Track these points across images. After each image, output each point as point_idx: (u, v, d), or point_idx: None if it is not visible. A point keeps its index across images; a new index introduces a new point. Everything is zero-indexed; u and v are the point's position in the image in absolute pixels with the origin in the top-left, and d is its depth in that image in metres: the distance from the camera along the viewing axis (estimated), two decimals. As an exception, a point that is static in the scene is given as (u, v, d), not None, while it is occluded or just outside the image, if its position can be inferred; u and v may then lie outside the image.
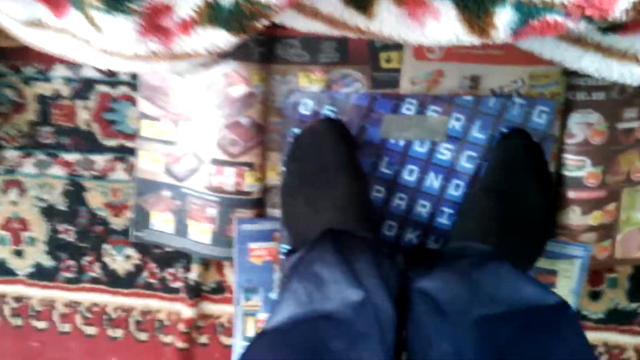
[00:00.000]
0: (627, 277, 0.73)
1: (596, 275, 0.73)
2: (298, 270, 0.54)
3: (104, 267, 0.78)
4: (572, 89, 0.66)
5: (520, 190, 0.63)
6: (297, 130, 0.68)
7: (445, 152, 0.68)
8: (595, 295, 0.74)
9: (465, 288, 0.50)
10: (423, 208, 0.70)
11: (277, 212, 0.73)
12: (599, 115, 0.65)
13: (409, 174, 0.69)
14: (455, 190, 0.69)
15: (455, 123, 0.67)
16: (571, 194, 0.68)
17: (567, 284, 0.72)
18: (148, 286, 0.77)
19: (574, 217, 0.69)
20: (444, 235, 0.71)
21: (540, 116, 0.67)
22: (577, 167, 0.67)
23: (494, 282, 0.50)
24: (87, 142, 0.76)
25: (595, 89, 0.65)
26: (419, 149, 0.68)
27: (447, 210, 0.70)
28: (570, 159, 0.67)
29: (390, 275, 0.55)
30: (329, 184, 0.63)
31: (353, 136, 0.68)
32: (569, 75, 0.66)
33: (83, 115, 0.75)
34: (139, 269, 0.77)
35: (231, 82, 0.66)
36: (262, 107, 0.68)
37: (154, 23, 0.48)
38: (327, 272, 0.51)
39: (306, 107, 0.68)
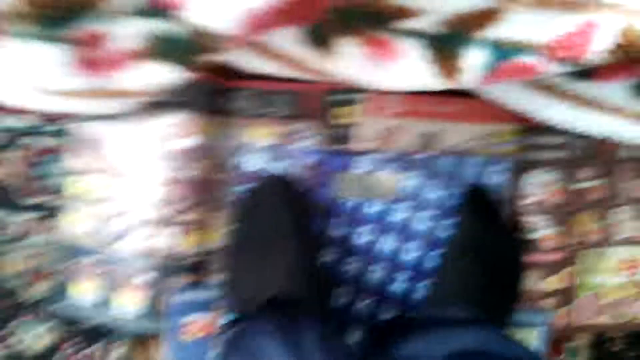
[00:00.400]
0: (586, 346, 0.70)
1: (556, 345, 0.70)
2: (236, 345, 0.47)
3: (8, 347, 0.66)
4: (527, 149, 0.66)
5: (498, 247, 0.60)
6: (243, 188, 0.63)
7: (398, 213, 0.65)
8: (555, 369, 0.70)
9: (440, 350, 0.45)
10: (375, 274, 0.65)
11: (218, 279, 0.65)
12: (554, 175, 0.64)
13: (360, 236, 0.65)
14: (409, 253, 0.65)
15: (408, 182, 0.65)
16: (529, 258, 0.66)
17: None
18: (63, 370, 0.66)
19: (530, 282, 0.66)
20: (397, 305, 0.66)
21: (495, 176, 0.65)
22: (532, 229, 0.65)
23: (482, 344, 0.45)
24: (2, 200, 0.67)
25: (551, 148, 0.64)
26: (370, 209, 0.65)
27: (400, 276, 0.65)
28: (527, 220, 0.66)
29: (339, 353, 0.49)
30: (276, 247, 0.58)
31: (302, 195, 0.64)
32: (525, 134, 0.65)
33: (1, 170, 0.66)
34: (52, 349, 0.66)
35: (178, 133, 0.61)
36: (208, 162, 0.63)
37: (91, 54, 0.43)
38: (268, 349, 0.44)
39: (254, 163, 0.63)
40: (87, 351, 0.66)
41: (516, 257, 0.63)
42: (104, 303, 0.64)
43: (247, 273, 0.58)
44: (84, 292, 0.64)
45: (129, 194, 0.62)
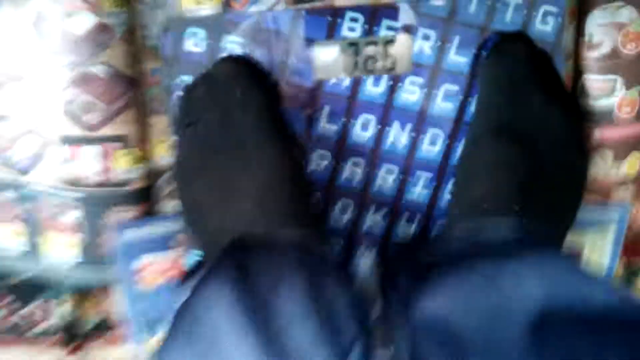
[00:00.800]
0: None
1: (633, 249, 0.52)
2: (181, 324, 0.31)
3: None
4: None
5: (540, 124, 0.41)
6: (187, 79, 0.45)
7: (412, 90, 0.46)
8: (632, 276, 0.54)
9: (496, 307, 0.28)
10: (388, 176, 0.48)
11: (173, 206, 0.49)
12: (631, 10, 0.44)
13: (363, 129, 0.47)
14: (432, 144, 0.47)
15: (423, 44, 0.45)
16: (597, 133, 0.47)
17: (597, 260, 0.51)
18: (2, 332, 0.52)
19: (604, 166, 0.48)
20: (420, 215, 0.49)
21: (544, 21, 0.45)
22: (603, 93, 0.46)
23: (538, 286, 0.28)
24: None
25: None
26: (374, 89, 0.46)
27: (422, 175, 0.48)
28: (593, 80, 0.46)
29: (340, 312, 0.32)
30: (243, 158, 0.40)
31: (274, 80, 0.45)
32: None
33: None
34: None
35: (68, 10, 0.42)
36: (125, 47, 0.44)
37: None
38: (225, 328, 0.28)
39: (196, 41, 0.44)
40: (24, 311, 0.51)
41: (576, 137, 0.44)
42: (31, 251, 0.48)
43: (208, 197, 0.41)
44: (3, 240, 0.48)
45: (31, 104, 0.45)
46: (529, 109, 0.42)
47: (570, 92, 0.46)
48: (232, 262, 0.34)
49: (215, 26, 0.44)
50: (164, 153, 0.48)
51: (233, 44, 0.44)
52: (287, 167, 0.41)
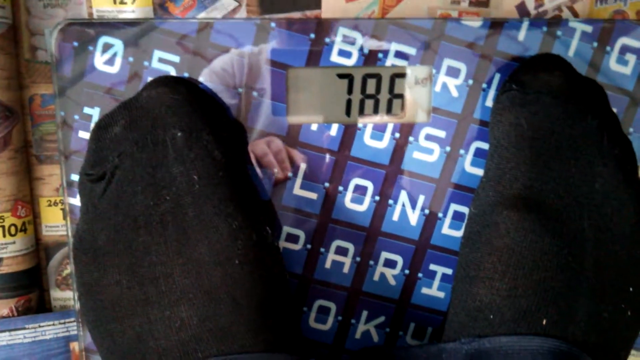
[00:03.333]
0: None
1: None
2: None
3: None
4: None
5: (585, 199, 0.28)
6: (93, 112, 0.30)
7: (429, 149, 0.31)
8: None
9: None
10: (388, 270, 0.33)
11: (70, 300, 0.33)
12: None
13: (355, 200, 0.32)
14: (454, 227, 0.32)
15: (448, 81, 0.31)
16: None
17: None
18: None
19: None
20: (433, 327, 0.34)
21: (622, 59, 0.31)
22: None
23: None
24: None
25: None
26: (373, 143, 0.31)
27: (439, 270, 0.33)
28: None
29: None
30: (182, 237, 0.26)
31: (234, 119, 0.30)
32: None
33: None
34: None
35: None
36: (1, 61, 0.29)
37: None
38: None
39: (110, 57, 0.29)
40: None
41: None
42: None
43: (122, 298, 0.26)
44: None
45: None
46: (569, 173, 0.28)
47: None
48: None
49: (141, 37, 0.29)
50: (56, 221, 0.32)
51: (166, 65, 0.29)
52: (252, 253, 0.26)
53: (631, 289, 0.28)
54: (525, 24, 0.30)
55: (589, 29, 0.31)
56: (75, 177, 0.30)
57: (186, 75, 0.30)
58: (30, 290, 0.32)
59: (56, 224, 0.32)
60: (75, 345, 0.33)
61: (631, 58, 0.31)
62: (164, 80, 0.28)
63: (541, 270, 0.26)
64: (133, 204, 0.26)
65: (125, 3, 0.29)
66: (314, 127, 0.31)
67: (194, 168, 0.26)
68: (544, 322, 0.26)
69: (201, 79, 0.30)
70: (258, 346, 0.25)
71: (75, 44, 0.29)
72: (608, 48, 0.31)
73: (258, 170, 0.31)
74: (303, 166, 0.31)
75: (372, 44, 0.30)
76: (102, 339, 0.26)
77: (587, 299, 0.27)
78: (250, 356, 0.25)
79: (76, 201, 0.30)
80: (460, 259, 0.29)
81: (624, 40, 0.31)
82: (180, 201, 0.26)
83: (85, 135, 0.30)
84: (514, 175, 0.28)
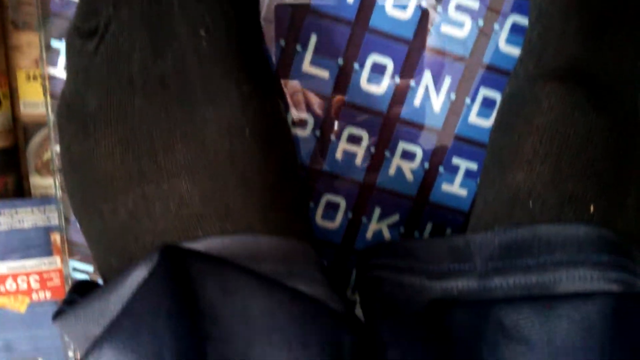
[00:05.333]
0: None
1: None
2: None
3: None
4: None
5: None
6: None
7: (459, 19, 0.27)
8: None
9: None
10: (405, 163, 0.29)
11: (51, 188, 0.30)
12: None
13: (373, 78, 0.28)
14: (483, 114, 0.29)
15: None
16: None
17: None
18: None
19: None
20: (455, 224, 0.31)
21: None
22: None
23: None
24: None
25: None
26: (396, 10, 0.27)
27: (463, 163, 0.29)
28: None
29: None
30: (185, 103, 0.22)
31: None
32: None
33: None
34: None
35: None
36: None
37: None
38: None
39: None
40: None
41: None
42: None
43: (115, 171, 0.23)
44: None
45: None
46: (622, 45, 0.24)
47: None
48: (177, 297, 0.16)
49: None
50: (36, 97, 0.29)
51: None
52: (265, 125, 0.23)
53: None
54: None
55: None
56: (56, 44, 0.27)
57: None
58: (6, 172, 0.29)
59: (35, 101, 0.29)
60: (56, 236, 0.30)
61: None
62: None
63: (589, 152, 0.23)
64: (129, 62, 0.22)
65: None
66: (328, -9, 0.27)
67: (202, 23, 0.22)
68: (592, 209, 0.22)
69: None
70: (267, 227, 0.22)
71: None
72: None
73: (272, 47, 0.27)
74: (314, 38, 0.27)
75: None
76: (89, 221, 0.23)
77: (637, 188, 0.23)
78: (257, 238, 0.22)
79: (57, 71, 0.27)
80: (491, 144, 0.26)
81: None
82: (184, 60, 0.22)
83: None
84: (560, 46, 0.24)
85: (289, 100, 0.28)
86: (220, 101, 0.22)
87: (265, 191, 0.22)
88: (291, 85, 0.28)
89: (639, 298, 0.21)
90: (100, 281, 0.24)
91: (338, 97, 0.28)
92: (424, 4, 0.27)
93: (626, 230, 0.23)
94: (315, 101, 0.28)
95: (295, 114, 0.28)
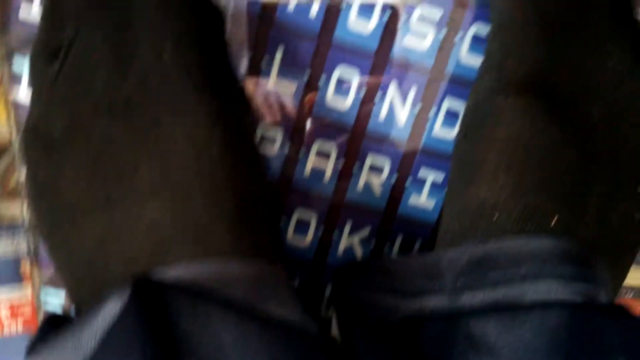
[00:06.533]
0: None
1: None
2: None
3: None
4: None
5: (595, 80, 0.24)
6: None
7: (422, 30, 0.28)
8: None
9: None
10: (373, 176, 0.29)
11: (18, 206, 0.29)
12: None
13: (339, 92, 0.28)
14: (448, 124, 0.29)
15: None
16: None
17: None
18: None
19: None
20: (424, 237, 0.31)
21: None
22: None
23: None
24: None
25: None
26: (359, 23, 0.27)
27: (430, 174, 0.30)
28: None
29: None
30: (152, 123, 0.22)
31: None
32: None
33: None
34: None
35: None
36: None
37: None
38: None
39: None
40: None
41: None
42: None
43: (81, 195, 0.22)
44: None
45: None
46: (579, 56, 0.24)
47: None
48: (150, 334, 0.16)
49: None
50: (4, 121, 0.28)
51: None
52: (233, 142, 0.23)
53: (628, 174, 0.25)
54: None
55: None
56: (20, 62, 0.26)
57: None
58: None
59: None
60: (26, 265, 0.29)
61: None
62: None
63: (550, 163, 0.23)
64: (93, 84, 0.22)
65: None
66: (292, 6, 0.27)
67: (166, 38, 0.22)
68: (554, 220, 0.23)
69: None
70: (237, 249, 0.22)
71: None
72: None
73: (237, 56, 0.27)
74: (279, 53, 0.27)
75: None
76: (58, 249, 0.23)
77: (597, 198, 0.24)
78: (228, 263, 0.21)
79: (21, 94, 0.26)
80: (455, 158, 0.26)
81: None
82: (147, 79, 0.22)
83: (28, 7, 0.26)
84: (520, 58, 0.24)
85: (259, 105, 0.28)
86: (186, 119, 0.21)
87: (234, 211, 0.22)
88: (262, 89, 0.27)
89: (600, 308, 0.21)
90: (72, 309, 0.24)
91: (309, 97, 0.28)
92: (386, 16, 0.27)
93: (587, 238, 0.23)
94: (288, 102, 0.28)
95: (262, 127, 0.28)
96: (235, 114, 0.23)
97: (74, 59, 0.22)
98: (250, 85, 0.27)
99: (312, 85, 0.28)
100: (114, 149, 0.21)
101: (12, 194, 0.30)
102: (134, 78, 0.22)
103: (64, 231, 0.22)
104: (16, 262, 0.29)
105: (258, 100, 0.27)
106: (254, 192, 0.23)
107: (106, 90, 0.22)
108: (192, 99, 0.22)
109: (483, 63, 0.26)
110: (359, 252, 0.30)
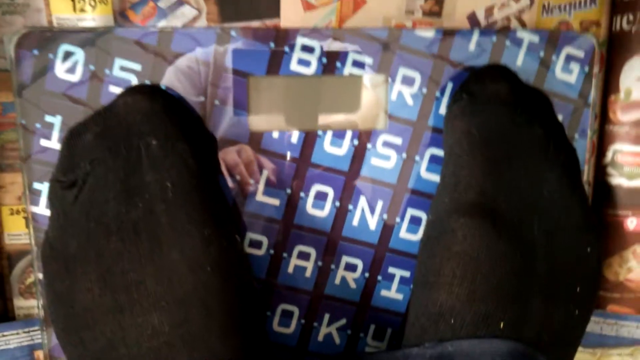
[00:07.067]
0: None
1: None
2: None
3: None
4: (623, 11, 0.33)
5: (534, 202, 0.29)
6: (54, 120, 0.30)
7: (386, 155, 0.32)
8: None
9: None
10: (349, 273, 0.34)
11: (34, 308, 0.33)
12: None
13: (316, 206, 0.33)
14: (411, 231, 0.33)
15: (403, 90, 0.32)
16: (631, 223, 0.35)
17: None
18: None
19: (638, 267, 0.35)
20: (393, 328, 0.35)
21: (567, 68, 0.33)
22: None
23: None
24: None
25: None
26: (332, 150, 0.32)
27: (398, 273, 0.34)
28: (627, 153, 0.34)
29: None
30: (154, 245, 0.26)
31: (208, 131, 0.31)
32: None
33: None
34: None
35: None
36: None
37: None
38: None
39: (71, 65, 0.30)
40: None
41: (590, 225, 0.31)
42: None
43: (92, 305, 0.26)
44: None
45: None
46: (519, 180, 0.29)
47: (578, 170, 0.34)
48: None
49: (102, 45, 0.29)
50: (19, 229, 0.32)
51: (127, 73, 0.30)
52: (224, 260, 0.27)
53: (578, 289, 0.29)
54: (476, 34, 0.32)
55: (535, 38, 0.32)
56: (38, 186, 0.30)
57: (147, 82, 0.30)
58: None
59: (19, 232, 0.32)
60: (39, 354, 0.33)
61: (575, 67, 0.33)
62: (140, 89, 0.28)
63: (497, 274, 0.27)
64: (105, 211, 0.26)
65: (86, 11, 0.30)
66: (275, 134, 0.31)
67: (168, 176, 0.26)
68: (502, 324, 0.27)
69: (166, 76, 0.30)
70: (227, 351, 0.26)
71: (35, 51, 0.29)
72: (554, 57, 0.33)
73: (228, 179, 0.31)
74: (265, 173, 0.32)
75: (330, 53, 0.31)
76: (72, 347, 0.27)
77: (539, 301, 0.28)
78: None
79: (39, 209, 0.30)
80: (419, 264, 0.30)
81: (568, 50, 0.32)
82: (153, 208, 0.26)
83: (47, 143, 0.30)
84: (468, 183, 0.29)
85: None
86: (185, 244, 0.26)
87: (225, 317, 0.26)
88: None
89: None
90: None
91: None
92: (355, 142, 0.32)
93: (532, 338, 0.27)
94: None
95: (251, 235, 0.32)
96: (226, 236, 0.28)
97: (88, 190, 0.27)
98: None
99: (294, 199, 0.32)
100: (123, 265, 0.26)
101: (29, 291, 0.33)
102: (141, 207, 0.26)
103: (78, 332, 0.26)
104: (31, 352, 0.33)
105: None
106: (242, 298, 0.28)
107: (116, 216, 0.26)
108: (189, 228, 0.26)
109: (439, 185, 0.30)
110: (337, 339, 0.34)
